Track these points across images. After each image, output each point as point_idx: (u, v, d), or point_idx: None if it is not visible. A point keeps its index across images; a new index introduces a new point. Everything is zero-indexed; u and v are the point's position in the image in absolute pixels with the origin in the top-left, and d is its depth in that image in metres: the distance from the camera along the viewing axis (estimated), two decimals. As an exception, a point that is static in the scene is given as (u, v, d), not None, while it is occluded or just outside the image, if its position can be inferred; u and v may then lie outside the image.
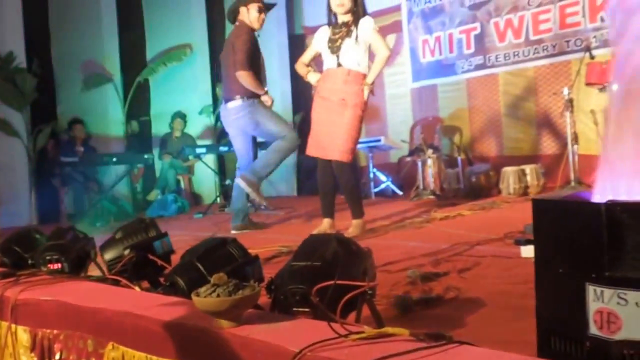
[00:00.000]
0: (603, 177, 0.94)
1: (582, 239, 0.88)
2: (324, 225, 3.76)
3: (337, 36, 3.57)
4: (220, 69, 4.57)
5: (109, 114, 7.56)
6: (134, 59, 7.75)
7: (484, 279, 2.13)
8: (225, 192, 7.43)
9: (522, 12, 5.94)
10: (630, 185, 0.90)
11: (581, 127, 5.45)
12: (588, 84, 5.00)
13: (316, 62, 3.92)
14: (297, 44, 8.12)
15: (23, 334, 1.93)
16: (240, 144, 4.46)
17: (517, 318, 1.57)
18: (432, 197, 5.53)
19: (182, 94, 7.66)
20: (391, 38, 6.68)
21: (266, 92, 4.30)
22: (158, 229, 2.56)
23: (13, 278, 2.16)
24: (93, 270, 2.62)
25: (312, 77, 3.77)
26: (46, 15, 7.48)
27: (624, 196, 0.90)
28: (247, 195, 4.39)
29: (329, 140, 3.60)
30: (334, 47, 3.57)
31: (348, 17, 3.56)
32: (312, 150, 3.76)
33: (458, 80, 6.60)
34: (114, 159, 6.47)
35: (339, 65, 3.56)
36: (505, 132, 6.30)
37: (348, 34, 3.53)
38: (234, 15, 4.39)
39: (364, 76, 3.57)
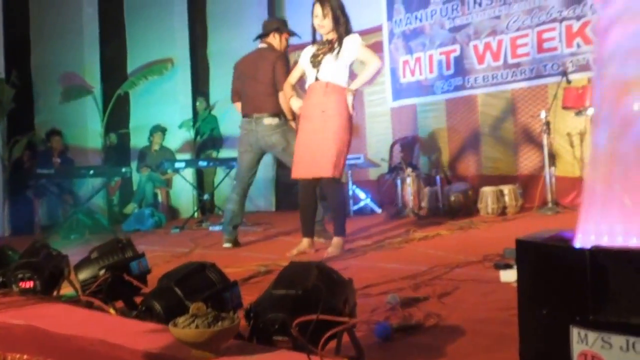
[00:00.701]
0: (586, 218, 0.95)
1: (566, 283, 0.89)
2: (303, 244, 3.74)
3: (319, 52, 3.63)
4: (241, 82, 4.52)
5: (87, 126, 7.48)
6: (114, 72, 7.71)
7: (464, 304, 2.13)
8: (203, 206, 7.37)
9: (500, 36, 6.06)
10: (612, 227, 0.90)
11: (558, 149, 5.56)
12: (565, 108, 5.11)
13: (301, 84, 3.94)
14: (279, 60, 8.15)
15: (-9, 358, 1.87)
16: (251, 160, 4.36)
17: (498, 347, 1.58)
18: (411, 215, 5.56)
19: (162, 107, 7.62)
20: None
21: (294, 118, 4.23)
22: (135, 250, 2.52)
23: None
24: (66, 288, 2.56)
25: (294, 103, 3.77)
26: (27, 26, 7.42)
27: (606, 237, 0.91)
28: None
29: (313, 157, 3.57)
30: (315, 61, 3.62)
31: (332, 36, 3.62)
32: (296, 173, 3.71)
33: (437, 101, 6.68)
34: (91, 172, 6.38)
35: (317, 79, 3.60)
36: (484, 152, 6.38)
37: (331, 50, 3.58)
38: (265, 35, 4.49)
39: (344, 89, 3.58)
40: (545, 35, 5.74)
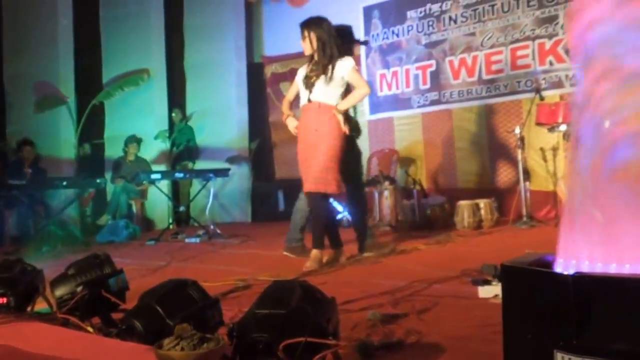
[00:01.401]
0: (566, 242, 0.98)
1: (550, 308, 0.91)
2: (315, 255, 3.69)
3: (312, 73, 3.73)
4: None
5: (60, 136, 7.38)
6: (89, 82, 7.63)
7: (443, 321, 2.15)
8: (178, 218, 7.30)
9: (475, 52, 6.18)
10: (592, 251, 0.94)
11: (532, 164, 5.68)
12: (538, 124, 5.23)
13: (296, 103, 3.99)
14: (255, 72, 8.18)
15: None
16: None
17: (478, 366, 1.60)
18: (387, 228, 5.60)
19: (138, 118, 7.56)
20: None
21: None
22: (113, 265, 2.49)
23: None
24: (40, 303, 2.51)
25: (290, 122, 3.85)
26: (0, 36, 7.29)
27: (586, 262, 0.94)
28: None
29: (306, 172, 3.68)
30: (308, 83, 3.73)
31: (318, 58, 3.70)
32: (305, 188, 3.76)
33: (414, 114, 6.78)
34: (65, 183, 6.26)
35: (309, 100, 3.70)
36: (459, 166, 6.48)
37: (324, 72, 3.67)
38: None
39: (336, 108, 3.68)
40: (519, 53, 5.89)
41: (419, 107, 6.75)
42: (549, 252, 1.05)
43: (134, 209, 7.41)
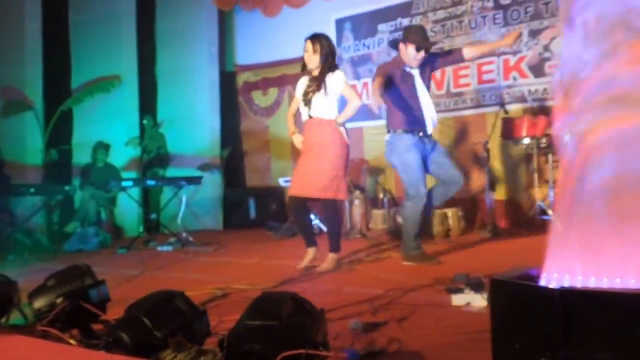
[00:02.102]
0: (553, 258, 1.07)
1: (537, 320, 1.00)
2: (310, 254, 3.96)
3: (309, 89, 3.89)
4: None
5: (26, 142, 7.21)
6: (57, 87, 7.48)
7: (422, 329, 2.24)
8: (149, 226, 7.23)
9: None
10: (577, 266, 1.02)
11: (497, 175, 5.89)
12: (502, 137, 5.44)
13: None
14: (228, 80, 8.19)
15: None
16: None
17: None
18: (358, 236, 5.69)
19: (108, 124, 7.45)
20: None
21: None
22: (94, 276, 2.49)
23: None
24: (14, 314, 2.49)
25: (295, 139, 3.99)
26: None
27: (568, 275, 1.03)
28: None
29: (309, 180, 3.83)
30: (307, 99, 3.89)
31: (318, 72, 3.85)
32: (291, 191, 3.95)
33: (383, 125, 6.86)
34: (32, 190, 6.13)
35: (310, 116, 3.89)
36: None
37: (318, 88, 3.83)
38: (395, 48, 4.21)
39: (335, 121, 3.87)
40: (485, 68, 6.09)
41: (388, 117, 6.87)
42: (533, 266, 1.14)
43: (103, 216, 7.29)
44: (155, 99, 7.99)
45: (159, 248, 5.72)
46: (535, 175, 5.36)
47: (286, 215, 7.12)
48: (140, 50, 7.69)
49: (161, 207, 6.98)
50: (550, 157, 5.34)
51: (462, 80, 6.27)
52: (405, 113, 3.99)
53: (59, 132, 7.52)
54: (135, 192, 7.20)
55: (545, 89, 5.77)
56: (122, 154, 7.58)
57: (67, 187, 6.43)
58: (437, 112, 6.36)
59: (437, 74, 6.39)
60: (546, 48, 5.81)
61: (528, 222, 5.32)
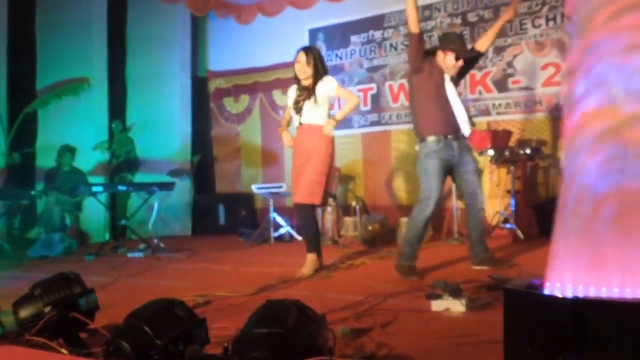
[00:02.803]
0: (554, 268, 1.17)
1: (550, 327, 1.11)
2: (311, 260, 4.05)
3: (300, 98, 4.04)
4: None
5: (-12, 145, 7.00)
6: (22, 89, 7.29)
7: (406, 334, 2.35)
8: (116, 232, 7.14)
9: (414, 78, 6.55)
10: (582, 276, 1.13)
11: (464, 185, 6.08)
12: (470, 148, 5.64)
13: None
14: (200, 86, 8.19)
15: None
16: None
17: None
18: (330, 243, 5.79)
19: (75, 127, 7.31)
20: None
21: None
22: (83, 285, 2.49)
23: None
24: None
25: (284, 136, 4.18)
26: None
27: (570, 285, 1.14)
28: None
29: (296, 187, 4.04)
30: (297, 107, 4.04)
31: (308, 82, 4.00)
32: (294, 199, 4.12)
33: (354, 134, 7.08)
34: (-5, 195, 5.97)
35: (301, 124, 4.04)
36: (396, 184, 6.82)
37: (309, 96, 3.98)
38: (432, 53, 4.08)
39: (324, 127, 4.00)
40: (453, 81, 6.31)
41: (359, 127, 7.05)
42: (535, 276, 1.25)
43: (68, 221, 7.14)
44: (125, 103, 7.91)
45: (129, 254, 5.66)
46: (498, 187, 5.62)
47: (257, 222, 7.17)
48: (110, 53, 7.59)
49: (130, 213, 6.90)
50: (512, 168, 5.58)
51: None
52: (436, 118, 3.87)
53: (22, 134, 7.34)
54: (103, 197, 7.10)
55: (507, 104, 6.04)
56: (90, 158, 7.46)
57: (33, 192, 6.28)
58: (406, 123, 6.64)
59: (407, 86, 6.58)
60: (509, 64, 6.08)
61: (490, 231, 5.55)
